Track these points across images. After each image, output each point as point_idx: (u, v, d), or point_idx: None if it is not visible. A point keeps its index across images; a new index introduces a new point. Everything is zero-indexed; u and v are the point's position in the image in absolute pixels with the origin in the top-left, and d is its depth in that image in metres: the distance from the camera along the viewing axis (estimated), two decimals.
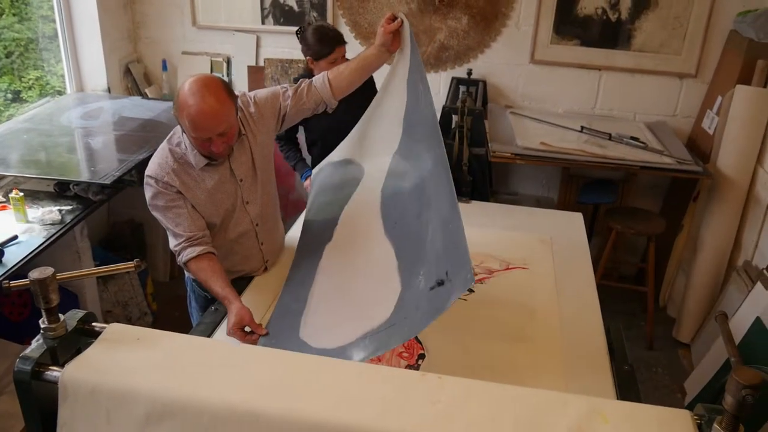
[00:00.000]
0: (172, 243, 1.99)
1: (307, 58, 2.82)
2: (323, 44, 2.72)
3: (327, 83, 2.15)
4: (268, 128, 2.13)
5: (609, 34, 3.70)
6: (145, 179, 1.97)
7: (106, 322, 1.38)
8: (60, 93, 3.84)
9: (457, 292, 1.43)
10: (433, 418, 1.13)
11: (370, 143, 2.29)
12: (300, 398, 1.18)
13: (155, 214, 2.00)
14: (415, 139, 2.00)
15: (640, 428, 1.11)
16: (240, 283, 2.15)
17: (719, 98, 3.44)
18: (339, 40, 2.75)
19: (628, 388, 1.72)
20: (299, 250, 2.28)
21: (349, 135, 2.41)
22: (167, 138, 2.02)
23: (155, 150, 2.03)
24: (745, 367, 1.03)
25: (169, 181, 1.94)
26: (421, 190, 1.87)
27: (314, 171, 2.55)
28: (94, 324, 1.36)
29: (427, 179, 1.84)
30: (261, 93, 2.14)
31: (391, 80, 2.19)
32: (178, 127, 1.96)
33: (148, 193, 1.97)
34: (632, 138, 3.46)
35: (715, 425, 1.06)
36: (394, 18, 2.06)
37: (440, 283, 1.54)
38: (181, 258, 1.96)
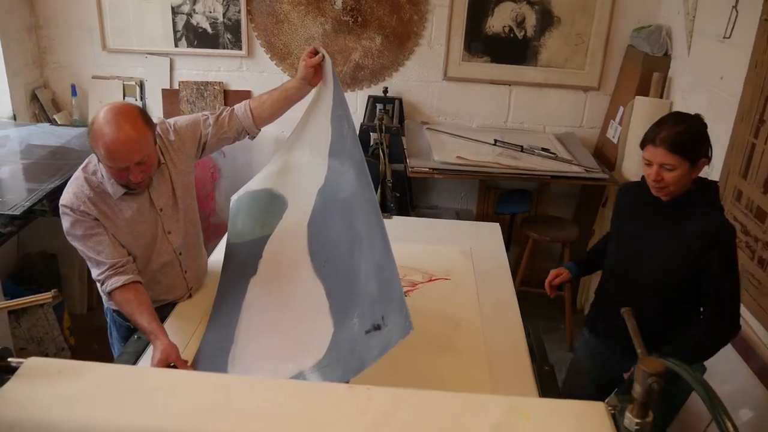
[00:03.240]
0: (95, 272, 1.92)
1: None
2: (649, 131, 1.97)
3: (249, 112, 2.15)
4: (189, 156, 2.10)
5: (517, 50, 3.86)
6: (61, 209, 1.91)
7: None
8: None
9: (395, 339, 1.43)
10: (362, 429, 1.15)
11: (294, 176, 2.27)
12: (230, 419, 1.18)
13: (75, 243, 1.93)
14: (342, 179, 1.99)
15: (558, 423, 1.16)
16: (164, 310, 2.11)
17: (621, 109, 3.64)
18: (655, 141, 1.90)
19: (549, 386, 1.80)
20: (223, 282, 2.22)
21: (270, 164, 2.40)
22: (82, 166, 1.96)
23: (68, 178, 1.97)
24: (650, 357, 1.10)
25: (85, 209, 1.88)
26: (351, 229, 1.86)
27: (233, 198, 2.49)
28: (9, 360, 1.31)
29: (358, 220, 1.83)
30: (181, 120, 2.11)
31: (314, 114, 2.20)
32: (94, 155, 1.91)
33: (66, 222, 1.91)
34: (543, 149, 3.61)
35: (627, 413, 1.12)
36: (316, 52, 2.09)
37: (376, 327, 1.54)
38: (105, 287, 1.90)
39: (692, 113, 1.97)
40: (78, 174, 1.94)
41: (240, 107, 2.16)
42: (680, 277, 1.97)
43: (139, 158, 1.82)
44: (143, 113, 1.86)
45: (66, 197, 1.91)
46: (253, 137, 2.22)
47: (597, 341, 2.28)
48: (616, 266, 2.19)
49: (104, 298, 2.14)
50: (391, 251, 1.54)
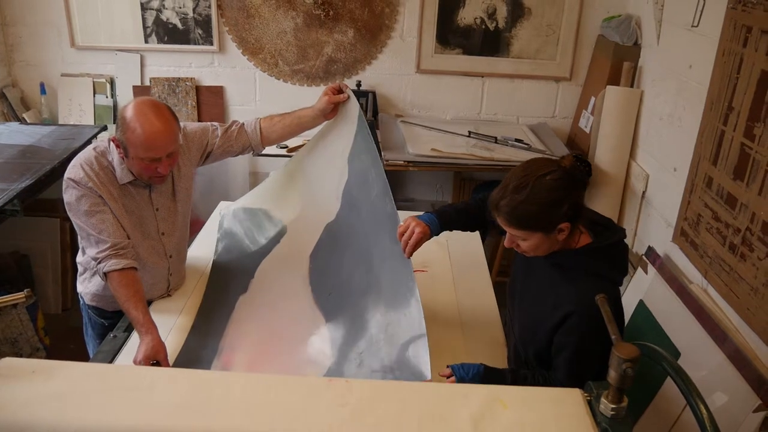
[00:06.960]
0: (93, 251, 1.90)
1: None
2: (494, 192, 1.76)
3: (258, 131, 2.18)
4: (192, 161, 2.13)
5: (489, 42, 3.88)
6: (66, 183, 1.90)
7: None
8: None
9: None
10: (342, 421, 1.16)
11: (298, 205, 2.27)
12: (210, 415, 1.18)
13: (76, 219, 1.91)
14: (360, 221, 1.99)
15: (536, 410, 1.18)
16: None
17: (592, 99, 3.67)
18: (498, 210, 1.69)
19: None
20: (209, 293, 2.21)
21: (267, 185, 2.39)
22: (92, 146, 1.97)
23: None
24: (624, 342, 1.12)
25: (93, 186, 1.88)
26: (368, 274, 1.86)
27: (224, 211, 2.48)
28: None
29: (381, 270, 1.83)
30: (191, 126, 2.15)
31: (327, 148, 2.21)
32: (104, 141, 1.95)
33: (71, 195, 1.89)
34: (517, 140, 3.64)
35: (603, 399, 1.15)
36: (341, 89, 2.13)
37: (387, 371, 1.57)
38: (103, 266, 1.88)
39: (553, 164, 1.64)
40: (88, 152, 1.94)
41: (250, 124, 2.20)
42: (538, 347, 1.69)
43: (172, 149, 1.89)
44: (170, 108, 1.92)
45: (73, 171, 1.90)
46: (256, 154, 2.27)
47: None
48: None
49: (84, 291, 2.14)
50: (419, 305, 1.58)
